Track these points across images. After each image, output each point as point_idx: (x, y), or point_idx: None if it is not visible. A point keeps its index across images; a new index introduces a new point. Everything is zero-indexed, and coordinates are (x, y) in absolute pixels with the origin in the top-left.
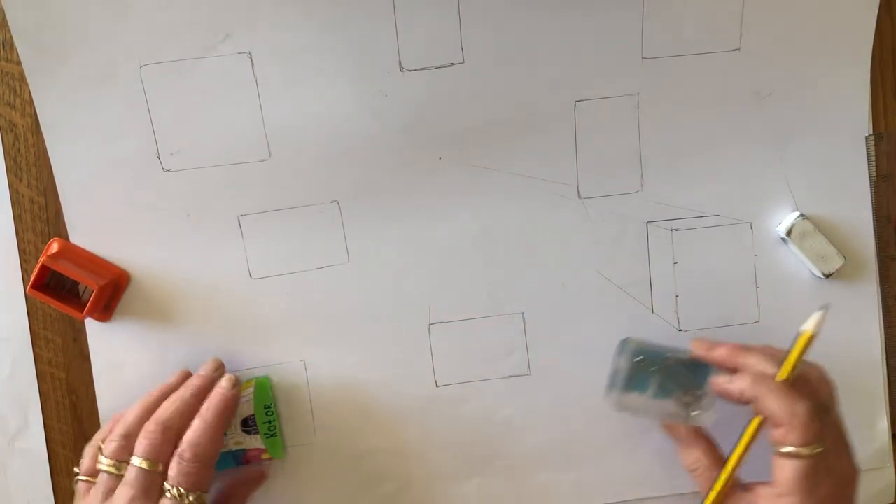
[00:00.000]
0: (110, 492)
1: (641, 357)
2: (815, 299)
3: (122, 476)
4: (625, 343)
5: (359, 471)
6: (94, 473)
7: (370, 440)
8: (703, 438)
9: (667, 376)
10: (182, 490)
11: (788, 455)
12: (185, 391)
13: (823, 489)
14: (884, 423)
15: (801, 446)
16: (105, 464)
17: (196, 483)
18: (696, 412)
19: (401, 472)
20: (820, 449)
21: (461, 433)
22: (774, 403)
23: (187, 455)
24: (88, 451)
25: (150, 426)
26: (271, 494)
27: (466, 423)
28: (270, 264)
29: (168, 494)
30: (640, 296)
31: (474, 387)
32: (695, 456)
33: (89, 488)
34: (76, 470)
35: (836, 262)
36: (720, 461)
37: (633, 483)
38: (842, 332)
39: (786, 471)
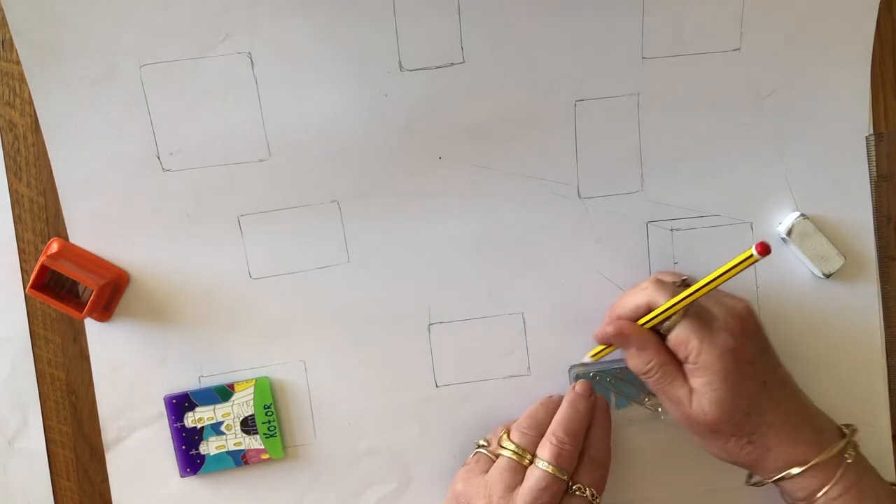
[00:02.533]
0: (513, 482)
1: (591, 374)
2: (815, 299)
3: (522, 465)
4: (571, 369)
5: (359, 471)
6: (495, 452)
7: (370, 440)
8: (654, 338)
9: (620, 385)
10: (596, 493)
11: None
12: (582, 402)
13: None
14: (884, 423)
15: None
16: (510, 449)
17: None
18: (660, 409)
19: (401, 472)
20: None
21: (461, 433)
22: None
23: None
24: (498, 430)
25: (562, 436)
26: (271, 494)
27: (466, 423)
28: (270, 264)
29: (579, 494)
30: None
31: (474, 387)
32: (647, 356)
33: (489, 464)
34: (482, 441)
35: (836, 262)
36: (674, 357)
37: (633, 483)
38: (842, 332)
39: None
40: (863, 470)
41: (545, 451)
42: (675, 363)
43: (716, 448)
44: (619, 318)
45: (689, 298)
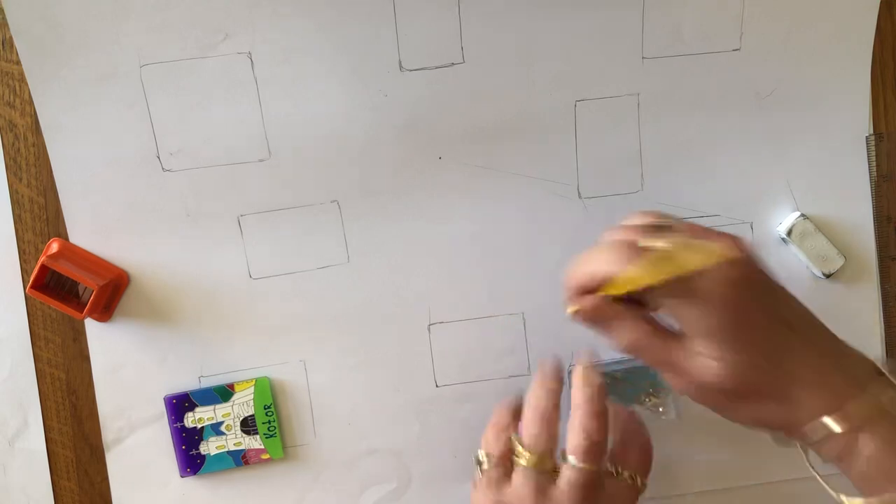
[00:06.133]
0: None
1: None
2: (815, 299)
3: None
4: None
5: (359, 471)
6: (506, 460)
7: (370, 440)
8: (630, 312)
9: (622, 385)
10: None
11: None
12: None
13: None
14: None
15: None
16: (527, 459)
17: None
18: (661, 409)
19: (401, 472)
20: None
21: (461, 433)
22: None
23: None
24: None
25: (592, 433)
26: (271, 494)
27: (466, 423)
28: (270, 264)
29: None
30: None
31: (474, 387)
32: (628, 333)
33: (503, 477)
34: (482, 457)
35: (836, 262)
36: (658, 325)
37: None
38: (842, 332)
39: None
40: None
41: (572, 443)
42: (663, 331)
43: (738, 414)
44: (582, 290)
45: (663, 275)
